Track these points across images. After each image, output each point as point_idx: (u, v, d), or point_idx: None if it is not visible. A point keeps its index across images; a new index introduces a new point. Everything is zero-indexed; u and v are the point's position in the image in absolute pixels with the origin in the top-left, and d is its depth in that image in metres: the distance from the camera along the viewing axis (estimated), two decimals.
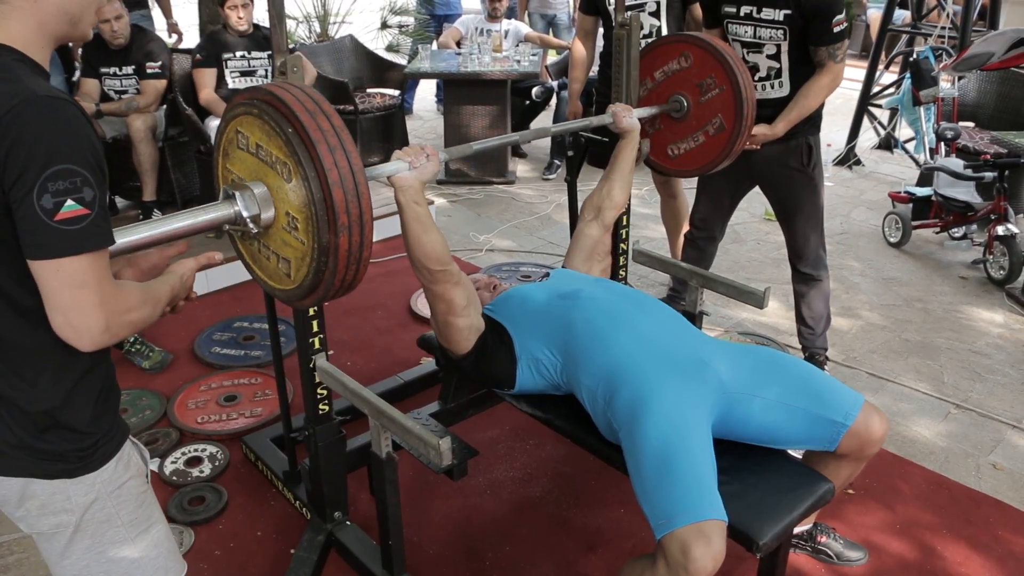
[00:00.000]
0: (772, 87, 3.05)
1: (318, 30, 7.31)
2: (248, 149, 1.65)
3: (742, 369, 2.13)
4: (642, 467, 1.91)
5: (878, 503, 2.74)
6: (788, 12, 2.88)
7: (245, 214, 1.62)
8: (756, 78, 3.05)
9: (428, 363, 3.35)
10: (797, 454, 2.23)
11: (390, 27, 7.63)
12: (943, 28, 5.98)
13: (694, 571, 1.74)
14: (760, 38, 2.99)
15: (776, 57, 3.00)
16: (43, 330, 1.27)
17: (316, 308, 2.29)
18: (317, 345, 2.31)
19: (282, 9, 2.04)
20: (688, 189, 3.85)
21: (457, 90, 5.76)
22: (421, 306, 3.95)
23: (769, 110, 3.03)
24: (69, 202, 1.18)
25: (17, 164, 1.16)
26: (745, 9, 2.99)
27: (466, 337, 2.25)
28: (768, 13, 2.92)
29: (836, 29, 2.89)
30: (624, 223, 3.00)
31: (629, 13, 2.76)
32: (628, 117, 2.68)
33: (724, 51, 2.70)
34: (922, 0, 6.70)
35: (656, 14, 3.70)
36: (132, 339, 3.40)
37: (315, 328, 2.29)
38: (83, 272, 1.22)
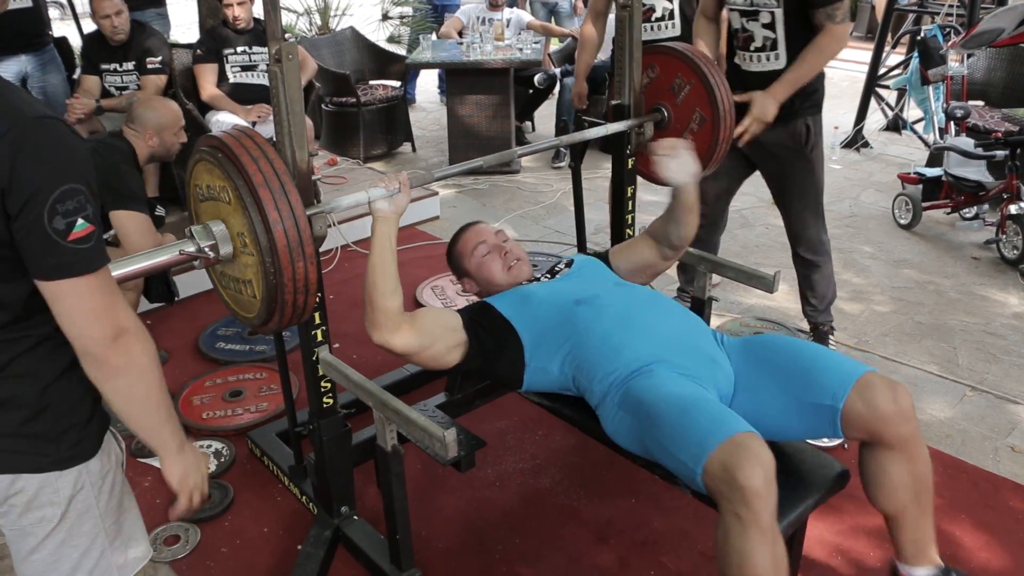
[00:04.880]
0: (768, 59, 3.02)
1: (319, 23, 7.27)
2: (205, 192, 1.86)
3: (743, 366, 2.10)
4: (661, 423, 1.87)
5: None
6: None
7: (206, 249, 1.83)
8: (752, 48, 3.04)
9: None
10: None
11: (391, 18, 7.59)
12: (951, 6, 5.90)
13: (746, 484, 1.66)
14: (755, 4, 2.97)
15: (771, 26, 2.97)
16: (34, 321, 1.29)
17: (318, 299, 2.24)
18: (320, 337, 2.27)
19: None
20: None
21: (460, 80, 5.71)
22: (427, 297, 3.91)
23: (765, 81, 2.99)
24: (79, 221, 1.23)
25: (22, 192, 1.18)
26: None
27: (444, 360, 2.17)
28: None
29: None
30: (629, 208, 2.95)
31: None
32: (676, 164, 2.38)
33: (681, 48, 2.70)
34: None
35: None
36: None
37: (317, 320, 2.25)
38: (101, 286, 1.27)
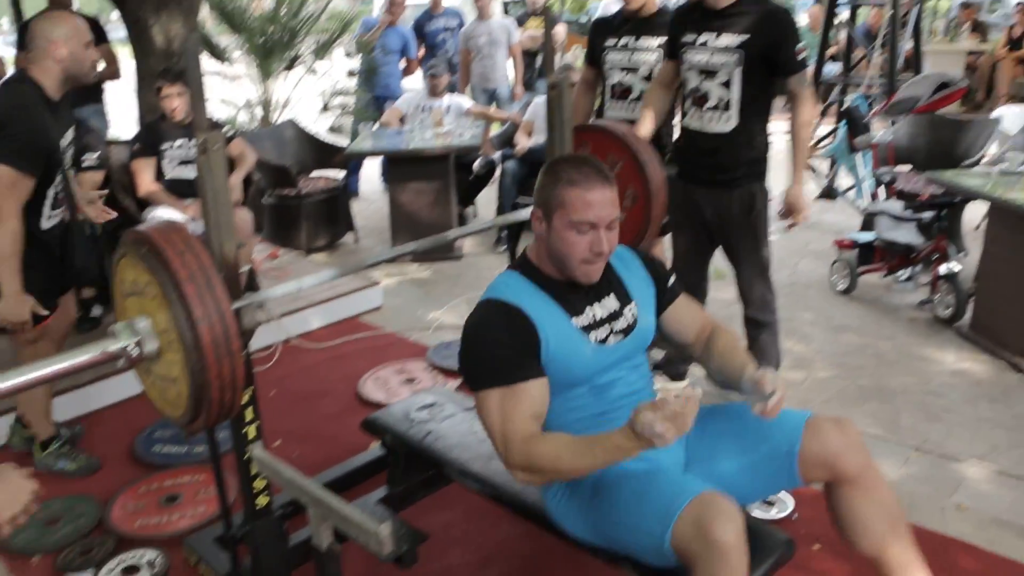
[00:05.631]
0: (719, 120, 3.17)
1: (260, 116, 7.32)
2: (130, 287, 1.85)
3: (693, 438, 2.07)
4: (617, 499, 1.88)
5: (844, 558, 2.65)
6: (746, 38, 3.04)
7: (129, 348, 1.79)
8: (705, 108, 3.19)
9: (377, 447, 3.25)
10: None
11: (331, 109, 7.66)
12: (872, 77, 6.12)
13: (721, 538, 1.67)
14: (714, 65, 3.12)
15: (727, 85, 3.12)
16: None
17: (250, 394, 2.20)
18: (252, 434, 2.21)
19: (199, 87, 2.02)
20: None
21: (400, 168, 5.76)
22: (369, 390, 3.86)
23: (713, 143, 3.17)
24: None
25: None
26: (703, 38, 3.14)
27: None
28: (725, 40, 3.08)
29: (800, 57, 3.09)
30: None
31: (562, 73, 2.78)
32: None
33: (610, 126, 2.79)
34: (850, 53, 6.91)
35: (648, 78, 3.74)
36: (57, 441, 3.28)
37: (249, 416, 2.20)
38: None
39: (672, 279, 2.25)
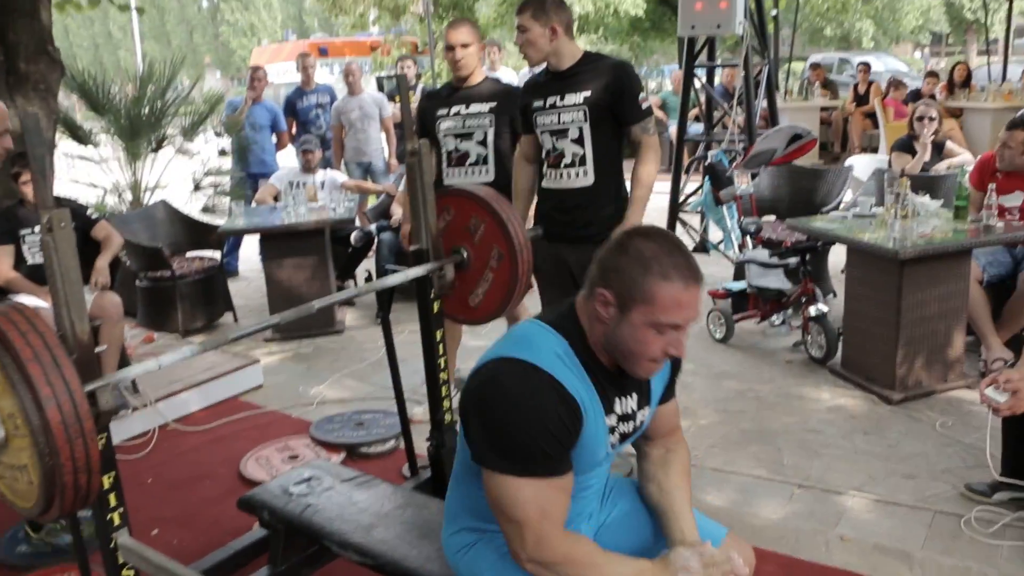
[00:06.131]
0: (578, 175, 3.31)
1: (130, 198, 7.12)
2: None
3: (609, 524, 2.03)
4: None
5: None
6: (587, 94, 3.22)
7: None
8: (563, 165, 3.32)
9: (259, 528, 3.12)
10: None
11: (203, 188, 7.53)
12: (732, 133, 6.40)
13: None
14: (564, 123, 3.28)
15: (580, 142, 3.27)
16: None
17: (112, 478, 2.08)
18: (117, 521, 2.09)
19: (41, 165, 1.95)
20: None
21: (275, 244, 5.68)
22: (251, 470, 3.72)
23: (574, 199, 3.29)
24: None
25: None
26: (550, 100, 3.30)
27: None
28: (570, 98, 3.24)
29: (643, 105, 3.26)
30: (440, 352, 2.93)
31: (421, 140, 2.79)
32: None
33: (470, 189, 2.82)
34: (711, 112, 7.24)
35: (484, 143, 3.87)
36: None
37: (113, 502, 2.08)
38: None
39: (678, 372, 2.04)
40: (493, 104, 3.84)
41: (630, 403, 1.86)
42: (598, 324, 1.74)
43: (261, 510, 2.59)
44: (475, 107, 3.87)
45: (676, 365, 2.00)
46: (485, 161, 3.90)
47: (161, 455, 3.98)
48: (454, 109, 3.89)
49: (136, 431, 4.12)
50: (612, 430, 1.82)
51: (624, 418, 1.85)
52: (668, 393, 2.01)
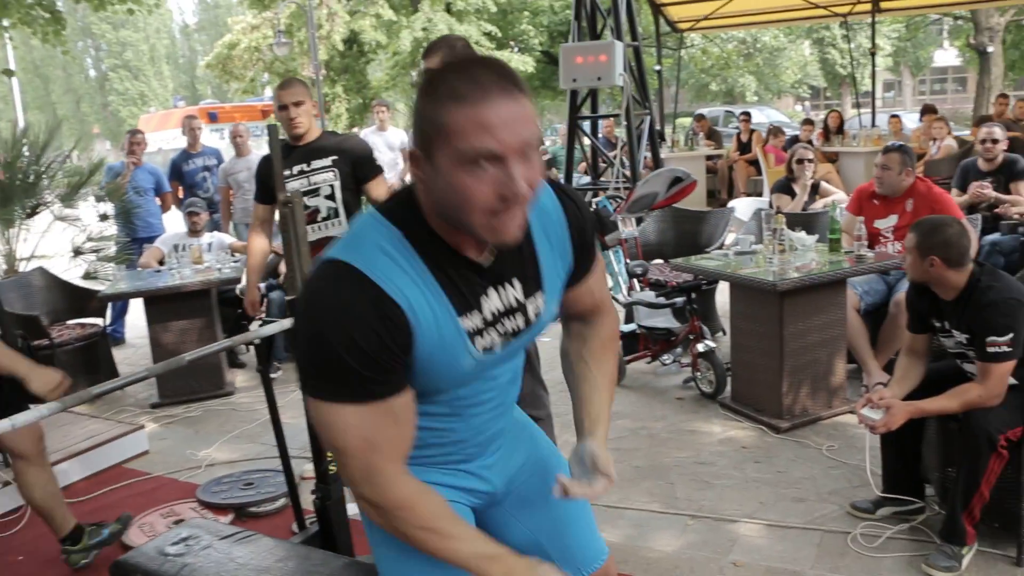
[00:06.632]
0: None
1: (4, 266, 6.83)
2: None
3: (518, 480, 1.87)
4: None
5: None
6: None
7: None
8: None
9: None
10: None
11: (84, 253, 7.28)
12: (616, 180, 6.56)
13: None
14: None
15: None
16: None
17: None
18: None
19: None
20: None
21: (160, 308, 5.51)
22: (134, 538, 3.54)
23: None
24: None
25: None
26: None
27: None
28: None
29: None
30: None
31: (291, 191, 2.76)
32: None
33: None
34: (596, 162, 7.43)
35: (332, 196, 3.83)
36: None
37: None
38: None
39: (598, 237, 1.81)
40: (335, 157, 3.84)
41: (512, 293, 1.52)
42: (425, 195, 1.41)
43: (134, 574, 2.46)
44: (316, 163, 3.85)
45: (578, 225, 1.63)
46: (336, 214, 3.87)
47: (35, 530, 3.75)
48: (296, 168, 3.84)
49: (7, 507, 3.90)
50: (479, 332, 1.48)
51: (504, 314, 1.52)
52: (580, 268, 1.67)
